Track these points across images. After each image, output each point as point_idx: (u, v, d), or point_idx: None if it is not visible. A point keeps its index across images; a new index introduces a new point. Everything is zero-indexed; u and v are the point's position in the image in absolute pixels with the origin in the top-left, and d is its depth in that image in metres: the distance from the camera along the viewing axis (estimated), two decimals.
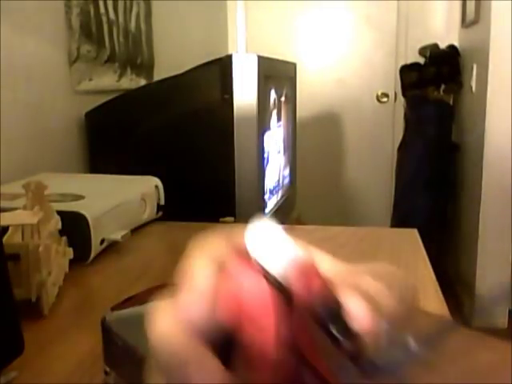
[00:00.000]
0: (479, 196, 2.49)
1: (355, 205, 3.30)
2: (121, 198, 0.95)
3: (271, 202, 1.41)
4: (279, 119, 1.50)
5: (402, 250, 0.91)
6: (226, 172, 1.21)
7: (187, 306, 0.21)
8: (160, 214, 1.09)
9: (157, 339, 0.21)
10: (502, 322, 2.60)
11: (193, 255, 0.22)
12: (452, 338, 0.27)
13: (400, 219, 2.94)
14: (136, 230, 0.98)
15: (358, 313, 0.21)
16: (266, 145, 1.31)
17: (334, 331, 0.21)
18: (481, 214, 2.49)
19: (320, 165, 3.27)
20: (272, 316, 0.21)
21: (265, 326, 0.21)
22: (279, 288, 0.21)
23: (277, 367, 0.20)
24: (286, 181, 1.64)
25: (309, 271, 0.22)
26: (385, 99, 3.26)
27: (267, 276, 0.21)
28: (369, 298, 0.22)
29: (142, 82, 1.82)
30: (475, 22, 2.65)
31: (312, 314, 0.21)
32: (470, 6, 2.74)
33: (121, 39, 1.68)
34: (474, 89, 2.67)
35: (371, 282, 0.23)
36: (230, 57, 1.21)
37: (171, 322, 0.21)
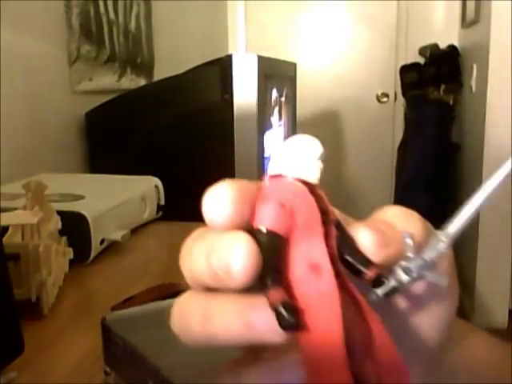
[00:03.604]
0: None
1: (355, 205, 3.30)
2: (121, 198, 0.95)
3: None
4: (280, 119, 1.51)
5: None
6: (226, 172, 1.21)
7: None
8: (160, 214, 1.09)
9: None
10: (502, 322, 2.60)
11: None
12: (452, 338, 0.27)
13: None
14: (136, 230, 0.98)
15: (369, 244, 0.21)
16: (266, 145, 1.31)
17: (352, 261, 0.21)
18: (481, 214, 2.49)
19: None
20: (320, 225, 0.20)
21: (313, 236, 0.20)
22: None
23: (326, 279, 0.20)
24: None
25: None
26: (385, 99, 3.26)
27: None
28: (379, 228, 0.22)
29: (142, 82, 1.82)
30: (475, 21, 2.65)
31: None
32: (470, 5, 2.74)
33: (121, 39, 1.68)
34: (473, 89, 2.67)
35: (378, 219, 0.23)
36: (230, 57, 1.21)
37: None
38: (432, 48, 2.98)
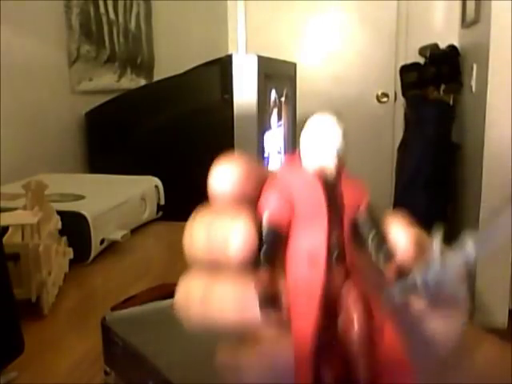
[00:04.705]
0: (479, 196, 2.49)
1: None
2: (121, 198, 0.95)
3: None
4: (279, 119, 1.51)
5: None
6: None
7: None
8: (160, 214, 1.09)
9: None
10: (502, 322, 2.60)
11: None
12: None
13: None
14: (136, 230, 0.98)
15: (402, 239, 0.21)
16: (266, 145, 1.31)
17: (374, 249, 0.21)
18: (481, 214, 2.49)
19: None
20: (325, 217, 0.20)
21: (317, 226, 0.20)
22: (330, 193, 0.21)
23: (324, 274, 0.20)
24: None
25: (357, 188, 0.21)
26: (385, 99, 3.26)
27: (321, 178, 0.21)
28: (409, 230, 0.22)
29: (142, 82, 1.82)
30: (475, 21, 2.65)
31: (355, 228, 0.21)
32: (470, 5, 2.74)
33: (121, 39, 1.68)
34: (473, 89, 2.66)
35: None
36: (230, 57, 1.21)
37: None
38: (432, 48, 2.98)
